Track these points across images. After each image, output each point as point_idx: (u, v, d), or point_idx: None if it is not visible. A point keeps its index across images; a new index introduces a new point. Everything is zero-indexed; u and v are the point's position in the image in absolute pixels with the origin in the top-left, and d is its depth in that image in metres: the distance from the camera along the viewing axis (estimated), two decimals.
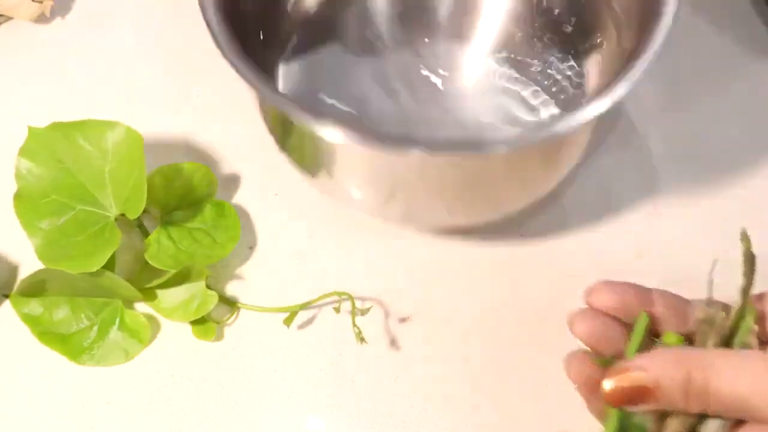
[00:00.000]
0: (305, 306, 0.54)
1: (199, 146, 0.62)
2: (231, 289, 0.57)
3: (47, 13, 0.67)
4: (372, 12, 0.59)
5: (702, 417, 0.38)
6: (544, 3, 0.58)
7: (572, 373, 0.42)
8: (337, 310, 0.53)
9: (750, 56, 0.64)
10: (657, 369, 0.37)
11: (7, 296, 0.56)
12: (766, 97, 0.63)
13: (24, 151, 0.55)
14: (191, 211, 0.57)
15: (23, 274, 0.57)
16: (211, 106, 0.63)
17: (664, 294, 0.42)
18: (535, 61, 0.57)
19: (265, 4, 0.56)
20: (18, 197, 0.55)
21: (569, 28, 0.57)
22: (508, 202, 0.52)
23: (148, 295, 0.55)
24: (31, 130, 0.56)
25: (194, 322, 0.55)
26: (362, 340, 0.52)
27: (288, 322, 0.53)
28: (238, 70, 0.45)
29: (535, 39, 0.57)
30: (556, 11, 0.57)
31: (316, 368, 0.54)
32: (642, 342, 0.41)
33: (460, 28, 0.59)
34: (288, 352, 0.55)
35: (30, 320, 0.55)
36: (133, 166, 0.53)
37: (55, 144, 0.55)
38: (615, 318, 0.41)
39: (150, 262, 0.54)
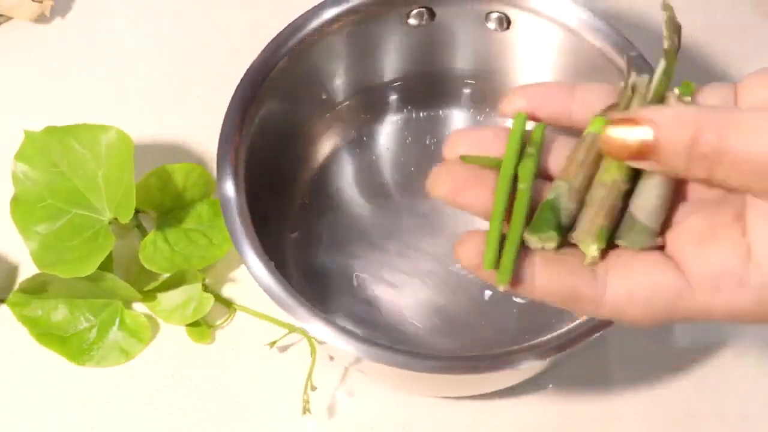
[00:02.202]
0: (292, 330, 0.52)
1: (199, 146, 0.60)
2: (228, 289, 0.56)
3: (47, 13, 0.66)
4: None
5: (633, 184, 0.34)
6: None
7: (441, 182, 0.35)
8: None
9: None
10: (663, 124, 0.31)
11: (4, 300, 0.55)
12: None
13: (20, 155, 0.54)
14: (187, 211, 0.56)
15: (22, 275, 0.56)
16: (211, 106, 0.63)
17: (589, 84, 0.36)
18: None
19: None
20: (15, 201, 0.54)
21: None
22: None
23: (148, 295, 0.54)
24: (27, 134, 0.54)
25: (190, 325, 0.54)
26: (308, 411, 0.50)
27: (271, 345, 0.52)
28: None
29: None
30: None
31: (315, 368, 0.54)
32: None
33: None
34: (288, 352, 0.55)
35: (29, 322, 0.53)
36: (124, 169, 0.52)
37: (50, 148, 0.54)
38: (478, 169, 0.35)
39: (145, 265, 0.53)
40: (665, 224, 0.34)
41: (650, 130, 0.31)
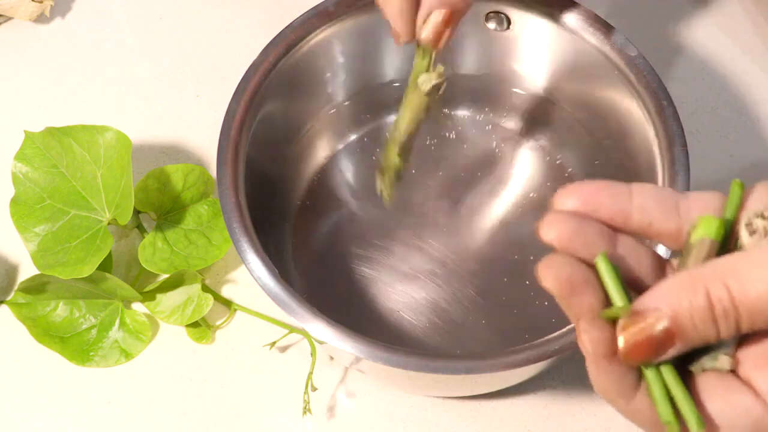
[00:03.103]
0: (292, 331, 0.52)
1: (198, 146, 0.60)
2: (227, 290, 0.55)
3: (47, 13, 0.66)
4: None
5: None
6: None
7: (550, 278, 0.32)
8: None
9: None
10: (670, 303, 0.29)
11: (4, 300, 0.55)
12: None
13: (21, 156, 0.54)
14: (186, 212, 0.55)
15: (22, 276, 0.56)
16: (210, 106, 0.63)
17: (645, 187, 0.33)
18: None
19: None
20: (15, 202, 0.53)
21: None
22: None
23: (148, 296, 0.53)
24: (27, 134, 0.54)
25: (190, 326, 0.54)
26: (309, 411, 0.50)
27: (271, 345, 0.52)
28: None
29: None
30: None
31: (315, 368, 0.53)
32: (618, 280, 0.32)
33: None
34: (288, 352, 0.54)
35: (29, 322, 0.53)
36: (123, 170, 0.52)
37: (50, 148, 0.54)
38: (588, 216, 0.33)
39: (144, 265, 0.53)
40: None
41: (664, 317, 0.30)
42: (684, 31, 0.65)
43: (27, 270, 0.56)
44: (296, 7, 0.53)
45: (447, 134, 0.59)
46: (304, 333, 0.50)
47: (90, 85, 0.64)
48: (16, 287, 0.54)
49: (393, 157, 0.50)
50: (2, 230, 0.56)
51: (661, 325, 0.29)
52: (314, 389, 0.50)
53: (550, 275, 0.32)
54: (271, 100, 0.52)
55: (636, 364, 0.31)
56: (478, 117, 0.59)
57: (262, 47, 0.52)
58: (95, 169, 0.53)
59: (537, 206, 0.56)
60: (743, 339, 0.32)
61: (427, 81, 0.46)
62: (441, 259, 0.55)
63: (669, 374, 0.31)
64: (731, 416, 0.31)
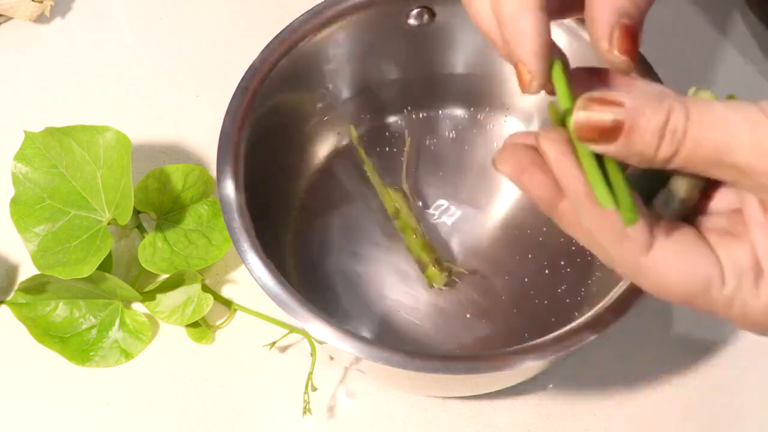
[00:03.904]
0: (292, 331, 0.52)
1: (198, 146, 0.60)
2: (227, 290, 0.55)
3: (47, 13, 0.65)
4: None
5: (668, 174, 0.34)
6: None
7: (505, 159, 0.34)
8: None
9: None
10: (635, 105, 0.31)
11: (3, 301, 0.55)
12: None
13: (20, 156, 0.53)
14: (186, 212, 0.55)
15: (22, 276, 0.56)
16: (210, 106, 0.62)
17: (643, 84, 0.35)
18: None
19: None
20: (14, 202, 0.53)
21: None
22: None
23: (148, 296, 0.53)
24: (27, 134, 0.54)
25: (190, 326, 0.53)
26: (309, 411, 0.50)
27: (271, 345, 0.52)
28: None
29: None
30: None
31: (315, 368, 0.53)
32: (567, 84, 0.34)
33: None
34: (288, 352, 0.54)
35: (29, 322, 0.53)
36: (123, 171, 0.52)
37: (50, 149, 0.53)
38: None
39: (144, 265, 0.52)
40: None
41: (622, 110, 0.31)
42: (684, 31, 0.65)
43: (27, 270, 0.56)
44: (296, 7, 0.53)
45: (447, 134, 0.59)
46: (304, 333, 0.50)
47: (90, 85, 0.63)
48: (16, 287, 0.54)
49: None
50: (2, 230, 0.56)
51: (616, 113, 0.31)
52: (314, 389, 0.50)
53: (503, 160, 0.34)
54: (271, 99, 0.52)
55: (581, 139, 0.32)
56: (478, 117, 0.59)
57: (262, 47, 0.52)
58: (95, 169, 0.53)
59: (537, 207, 0.56)
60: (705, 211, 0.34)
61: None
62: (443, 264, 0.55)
63: (612, 166, 0.32)
64: (690, 274, 0.32)
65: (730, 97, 0.34)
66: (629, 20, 0.35)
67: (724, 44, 0.65)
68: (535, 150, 0.34)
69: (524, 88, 0.36)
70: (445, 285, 0.53)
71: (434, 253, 0.54)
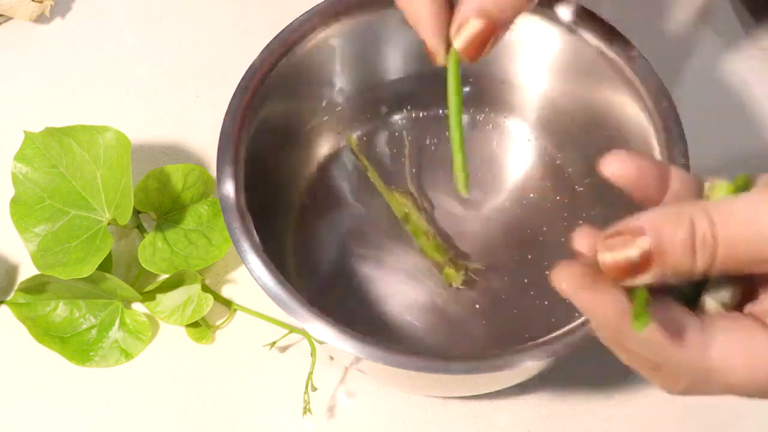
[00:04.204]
0: (292, 331, 0.52)
1: (199, 146, 0.60)
2: (227, 290, 0.55)
3: (47, 13, 0.65)
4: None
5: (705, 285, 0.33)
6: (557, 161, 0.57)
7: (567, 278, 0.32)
8: None
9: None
10: (656, 226, 0.30)
11: (3, 301, 0.55)
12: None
13: (20, 156, 0.53)
14: (186, 212, 0.55)
15: (22, 276, 0.56)
16: (210, 106, 0.62)
17: (679, 171, 0.35)
18: None
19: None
20: (14, 202, 0.53)
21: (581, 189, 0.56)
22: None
23: (147, 296, 0.53)
24: (27, 134, 0.54)
25: (190, 326, 0.53)
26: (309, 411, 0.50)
27: (271, 345, 0.52)
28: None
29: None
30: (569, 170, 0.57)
31: (315, 368, 0.53)
32: None
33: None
34: (288, 352, 0.54)
35: (29, 322, 0.53)
36: (122, 171, 0.51)
37: (50, 149, 0.53)
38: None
39: (144, 265, 0.52)
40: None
41: (646, 237, 0.30)
42: (684, 32, 0.65)
43: (27, 270, 0.56)
44: (296, 7, 0.53)
45: (447, 134, 0.59)
46: (304, 333, 0.50)
47: (90, 85, 0.63)
48: (16, 287, 0.54)
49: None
50: (2, 230, 0.56)
51: (641, 245, 0.30)
52: (314, 389, 0.50)
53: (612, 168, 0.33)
54: (271, 99, 0.52)
55: (616, 281, 0.31)
56: (478, 117, 0.59)
57: (262, 47, 0.52)
58: (95, 169, 0.53)
59: (537, 207, 0.56)
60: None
61: None
62: (459, 263, 0.55)
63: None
64: (749, 352, 0.31)
65: (740, 179, 0.33)
66: (485, 18, 0.40)
67: (705, 29, 0.65)
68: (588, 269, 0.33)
69: (432, 60, 0.42)
70: (463, 284, 0.53)
71: (448, 253, 0.54)
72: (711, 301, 0.33)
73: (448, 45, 0.41)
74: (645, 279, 0.31)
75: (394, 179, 0.57)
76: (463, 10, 0.40)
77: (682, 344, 0.31)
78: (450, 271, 0.53)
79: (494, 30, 0.40)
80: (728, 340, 0.31)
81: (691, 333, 0.31)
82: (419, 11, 0.41)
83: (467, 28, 0.40)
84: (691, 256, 0.30)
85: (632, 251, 0.30)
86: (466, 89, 0.59)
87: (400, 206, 0.55)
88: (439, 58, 0.42)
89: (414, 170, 0.57)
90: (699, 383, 0.32)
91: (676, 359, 0.32)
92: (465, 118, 0.59)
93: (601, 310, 0.31)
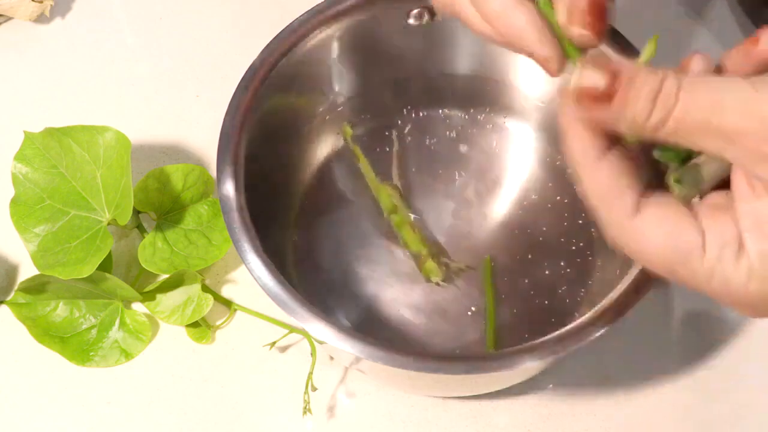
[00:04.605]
0: (292, 331, 0.52)
1: (199, 146, 0.60)
2: (227, 290, 0.55)
3: (47, 13, 0.65)
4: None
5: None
6: None
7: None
8: None
9: None
10: (632, 72, 0.32)
11: (3, 301, 0.55)
12: None
13: (20, 156, 0.53)
14: (186, 212, 0.55)
15: (22, 276, 0.56)
16: (210, 106, 0.62)
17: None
18: None
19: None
20: (14, 203, 0.53)
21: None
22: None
23: (147, 296, 0.53)
24: (27, 135, 0.54)
25: (190, 326, 0.53)
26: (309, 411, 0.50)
27: (271, 345, 0.52)
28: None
29: None
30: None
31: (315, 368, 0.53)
32: None
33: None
34: (288, 352, 0.54)
35: (29, 322, 0.53)
36: (122, 171, 0.51)
37: (49, 149, 0.53)
38: None
39: (144, 265, 0.52)
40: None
41: (619, 76, 0.32)
42: (682, 32, 0.65)
43: (27, 270, 0.56)
44: (296, 7, 0.53)
45: (447, 134, 0.59)
46: (304, 333, 0.50)
47: (90, 85, 0.63)
48: (16, 287, 0.54)
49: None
50: (2, 230, 0.56)
51: (611, 78, 0.32)
52: (314, 389, 0.50)
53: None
54: (271, 99, 0.52)
55: (578, 102, 0.33)
56: (478, 117, 0.59)
57: (262, 47, 0.52)
58: (95, 169, 0.53)
59: (537, 207, 0.56)
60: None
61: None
62: (440, 259, 0.55)
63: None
64: (671, 239, 0.33)
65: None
66: None
67: (702, 30, 0.65)
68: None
69: (549, 73, 0.38)
70: (443, 280, 0.53)
71: (432, 247, 0.54)
72: (682, 180, 0.35)
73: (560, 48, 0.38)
74: (600, 113, 0.32)
75: (389, 177, 0.57)
76: None
77: (614, 198, 0.34)
78: (430, 265, 0.53)
79: (597, 5, 0.36)
80: (652, 215, 0.33)
81: (626, 193, 0.33)
82: (516, 24, 0.37)
83: (578, 5, 0.36)
84: (649, 107, 0.31)
85: (600, 79, 0.32)
86: (464, 89, 0.59)
87: (387, 198, 0.55)
88: (556, 65, 0.37)
89: (413, 169, 0.57)
90: (615, 237, 0.34)
91: (604, 208, 0.34)
92: (465, 117, 0.59)
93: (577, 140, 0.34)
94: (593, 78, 0.32)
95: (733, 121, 0.31)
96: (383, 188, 0.55)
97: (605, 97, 0.32)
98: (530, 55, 0.37)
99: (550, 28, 0.37)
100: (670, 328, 0.55)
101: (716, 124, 0.31)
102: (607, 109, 0.32)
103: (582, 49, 0.38)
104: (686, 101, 0.31)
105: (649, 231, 0.33)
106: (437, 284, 0.54)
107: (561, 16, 0.37)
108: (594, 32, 0.37)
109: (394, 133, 0.58)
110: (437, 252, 0.54)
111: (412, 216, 0.55)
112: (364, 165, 0.56)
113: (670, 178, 0.35)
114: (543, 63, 0.37)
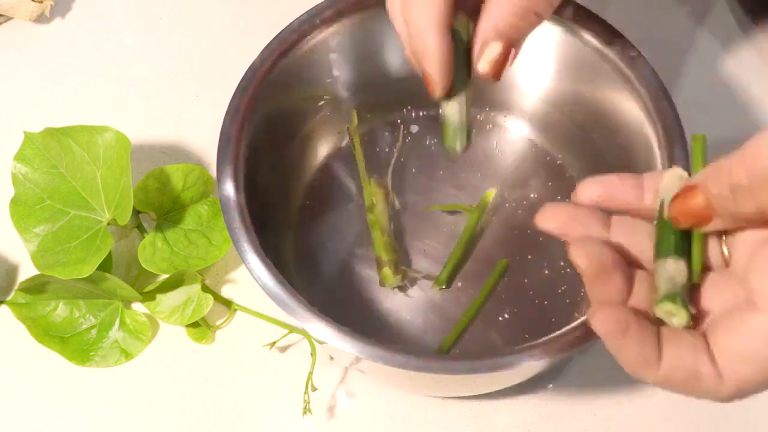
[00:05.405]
0: (292, 331, 0.52)
1: (199, 146, 0.60)
2: (227, 290, 0.55)
3: (47, 13, 0.65)
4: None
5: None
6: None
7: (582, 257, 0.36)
8: None
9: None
10: (704, 179, 0.35)
11: (3, 301, 0.55)
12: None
13: (20, 156, 0.53)
14: (186, 212, 0.55)
15: (22, 276, 0.56)
16: (210, 106, 0.62)
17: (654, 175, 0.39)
18: None
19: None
20: (14, 203, 0.53)
21: None
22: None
23: (147, 296, 0.53)
24: (27, 135, 0.54)
25: (190, 326, 0.53)
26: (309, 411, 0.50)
27: (271, 345, 0.52)
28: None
29: None
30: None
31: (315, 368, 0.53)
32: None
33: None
34: (288, 352, 0.54)
35: (29, 322, 0.53)
36: (122, 171, 0.51)
37: (49, 149, 0.53)
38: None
39: (144, 266, 0.52)
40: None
41: (699, 192, 0.35)
42: (682, 32, 0.66)
43: (27, 270, 0.56)
44: (296, 7, 0.53)
45: None
46: (304, 333, 0.50)
47: (90, 85, 0.63)
48: (16, 287, 0.54)
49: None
50: (2, 230, 0.56)
51: (699, 198, 0.35)
52: (314, 389, 0.50)
53: (581, 255, 0.36)
54: (270, 99, 0.52)
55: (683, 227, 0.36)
56: (478, 117, 0.59)
57: (262, 47, 0.52)
58: (95, 169, 0.53)
59: (537, 207, 0.56)
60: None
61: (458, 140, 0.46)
62: (440, 259, 0.55)
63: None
64: (746, 344, 0.34)
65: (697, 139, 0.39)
66: (503, 40, 0.41)
67: (703, 30, 0.65)
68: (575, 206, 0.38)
69: (430, 93, 0.43)
70: (395, 287, 0.53)
71: (395, 255, 0.54)
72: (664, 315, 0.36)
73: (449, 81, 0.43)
74: (710, 226, 0.35)
75: (393, 178, 0.57)
76: (482, 33, 0.41)
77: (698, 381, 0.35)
78: (387, 271, 0.53)
79: (511, 51, 0.42)
80: (728, 354, 0.34)
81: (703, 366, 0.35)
82: (426, 43, 0.41)
83: (489, 52, 0.41)
84: (735, 201, 0.33)
85: (694, 204, 0.35)
86: None
87: (369, 195, 0.55)
88: (439, 92, 0.43)
89: (413, 169, 0.57)
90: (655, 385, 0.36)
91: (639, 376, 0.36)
92: None
93: (626, 353, 0.35)
94: (683, 204, 0.35)
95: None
96: (369, 184, 0.55)
97: (704, 216, 0.35)
98: (424, 73, 0.42)
99: (451, 60, 0.41)
100: None
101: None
102: (712, 222, 0.35)
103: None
104: (752, 180, 0.33)
105: (672, 377, 0.35)
106: (440, 289, 0.54)
107: (475, 51, 0.42)
108: (494, 74, 0.42)
109: (394, 133, 0.58)
110: (398, 260, 0.54)
111: (391, 220, 0.55)
112: (359, 157, 0.56)
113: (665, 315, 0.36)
114: (430, 84, 0.42)
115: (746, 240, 0.36)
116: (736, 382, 0.34)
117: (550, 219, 0.38)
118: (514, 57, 0.42)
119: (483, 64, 0.42)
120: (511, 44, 0.42)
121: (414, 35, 0.41)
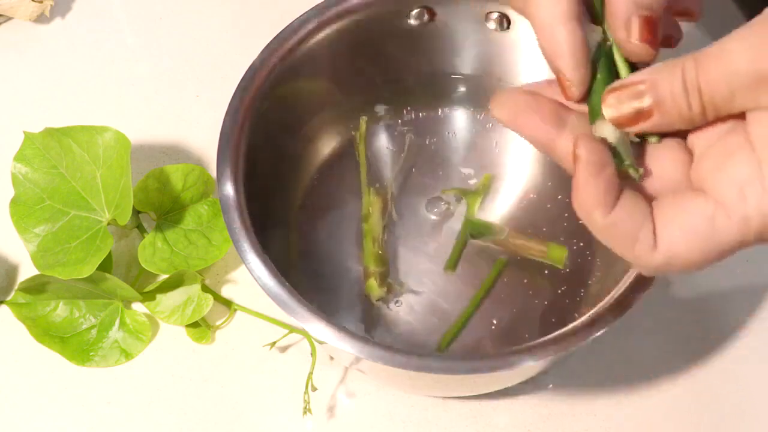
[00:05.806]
0: (292, 331, 0.52)
1: (198, 146, 0.60)
2: (227, 290, 0.55)
3: (47, 13, 0.65)
4: None
5: None
6: None
7: (501, 104, 0.36)
8: None
9: None
10: (653, 80, 0.34)
11: (3, 301, 0.55)
12: None
13: (20, 156, 0.53)
14: (186, 212, 0.55)
15: (22, 276, 0.56)
16: (210, 106, 0.62)
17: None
18: None
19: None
20: (14, 203, 0.53)
21: None
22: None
23: (147, 296, 0.53)
24: (26, 135, 0.54)
25: (190, 326, 0.53)
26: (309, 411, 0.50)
27: (271, 345, 0.52)
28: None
29: None
30: None
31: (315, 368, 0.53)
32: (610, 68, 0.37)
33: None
34: (288, 352, 0.54)
35: (29, 322, 0.53)
36: (122, 171, 0.51)
37: (49, 149, 0.53)
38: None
39: (144, 266, 0.52)
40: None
41: (644, 93, 0.34)
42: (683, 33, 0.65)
43: (27, 270, 0.56)
44: (296, 7, 0.53)
45: (447, 134, 0.59)
46: (304, 333, 0.50)
47: (90, 85, 0.63)
48: (16, 287, 0.54)
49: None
50: (2, 230, 0.56)
51: (642, 94, 0.34)
52: (314, 389, 0.50)
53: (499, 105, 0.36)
54: (271, 100, 0.52)
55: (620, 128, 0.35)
56: (478, 117, 0.59)
57: (262, 47, 0.52)
58: (94, 169, 0.53)
59: (537, 206, 0.56)
60: (701, 154, 0.36)
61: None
62: (440, 259, 0.55)
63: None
64: (686, 221, 0.34)
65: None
66: (646, 11, 0.37)
67: (700, 30, 0.65)
68: (530, 95, 0.37)
69: (566, 96, 0.38)
70: (379, 299, 0.53)
71: (383, 267, 0.54)
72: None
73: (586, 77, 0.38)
74: (646, 126, 0.35)
75: (393, 178, 0.57)
76: (621, 10, 0.37)
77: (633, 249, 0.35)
78: (372, 283, 0.53)
79: (654, 22, 0.37)
80: (668, 227, 0.34)
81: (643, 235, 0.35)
82: (556, 39, 0.37)
83: (635, 27, 0.37)
84: (686, 102, 0.33)
85: (634, 104, 0.34)
86: (464, 89, 0.59)
87: (367, 204, 0.55)
88: (576, 91, 0.37)
89: (413, 169, 0.57)
90: (650, 270, 0.36)
91: (629, 258, 0.35)
92: (465, 116, 0.59)
93: (588, 189, 0.34)
94: (627, 104, 0.35)
95: (745, 71, 0.33)
96: (369, 194, 0.55)
97: (645, 113, 0.34)
98: (557, 72, 0.37)
99: (586, 53, 0.37)
100: (670, 327, 0.55)
101: (737, 84, 0.33)
102: (651, 121, 0.34)
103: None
104: (706, 80, 0.33)
105: (675, 248, 0.34)
106: (458, 288, 0.54)
107: (620, 32, 0.37)
108: (650, 45, 0.37)
109: (394, 134, 0.58)
110: (385, 273, 0.54)
111: (386, 230, 0.55)
112: (362, 164, 0.56)
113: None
114: (565, 85, 0.37)
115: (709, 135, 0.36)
116: (667, 253, 0.34)
117: (503, 107, 0.37)
118: (660, 26, 0.38)
119: (634, 42, 0.37)
120: (656, 11, 0.37)
121: (541, 32, 0.37)
